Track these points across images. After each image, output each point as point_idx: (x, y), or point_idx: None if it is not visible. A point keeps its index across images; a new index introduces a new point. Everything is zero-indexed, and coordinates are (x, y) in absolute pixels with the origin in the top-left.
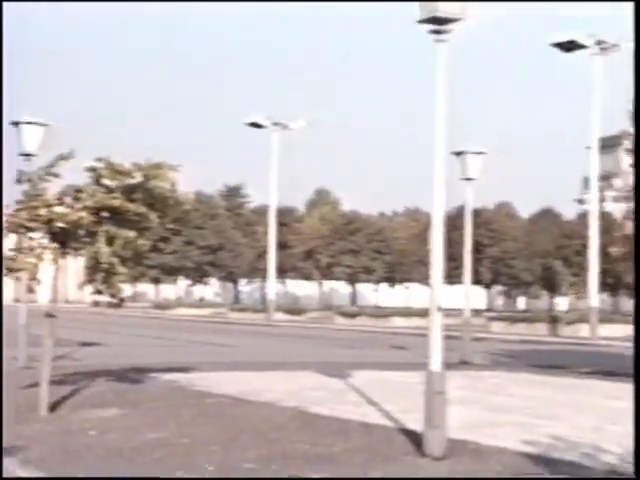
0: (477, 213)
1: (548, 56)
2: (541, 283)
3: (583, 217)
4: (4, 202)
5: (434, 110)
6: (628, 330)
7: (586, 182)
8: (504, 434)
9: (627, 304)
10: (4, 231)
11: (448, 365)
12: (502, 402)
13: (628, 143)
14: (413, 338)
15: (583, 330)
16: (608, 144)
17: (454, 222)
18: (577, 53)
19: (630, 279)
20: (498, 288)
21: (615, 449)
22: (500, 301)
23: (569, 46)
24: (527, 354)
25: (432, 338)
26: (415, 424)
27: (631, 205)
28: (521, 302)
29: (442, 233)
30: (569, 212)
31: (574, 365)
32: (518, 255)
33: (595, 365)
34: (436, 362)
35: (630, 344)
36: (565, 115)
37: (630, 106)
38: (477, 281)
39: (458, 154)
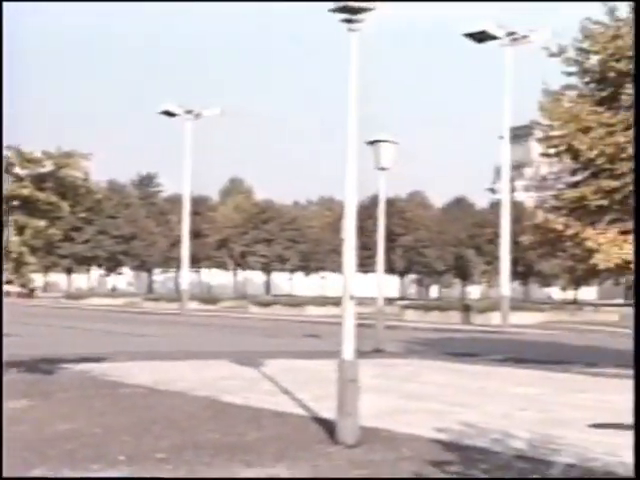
0: (390, 202)
1: (461, 46)
2: (454, 272)
3: (495, 206)
4: None
5: (347, 99)
6: (538, 317)
7: (498, 172)
8: (417, 421)
9: (537, 292)
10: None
11: (362, 353)
12: (415, 390)
13: (539, 133)
14: (327, 327)
15: (495, 318)
16: (519, 134)
17: (368, 211)
18: (489, 44)
19: (541, 267)
20: (411, 277)
21: (524, 435)
22: (413, 289)
23: (481, 37)
24: (440, 342)
25: (345, 327)
26: (328, 412)
27: (542, 194)
28: (434, 290)
29: (355, 222)
30: (482, 201)
31: (486, 352)
32: (431, 244)
33: (506, 352)
34: (348, 350)
35: (540, 331)
36: (478, 105)
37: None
38: (390, 270)
39: (372, 143)
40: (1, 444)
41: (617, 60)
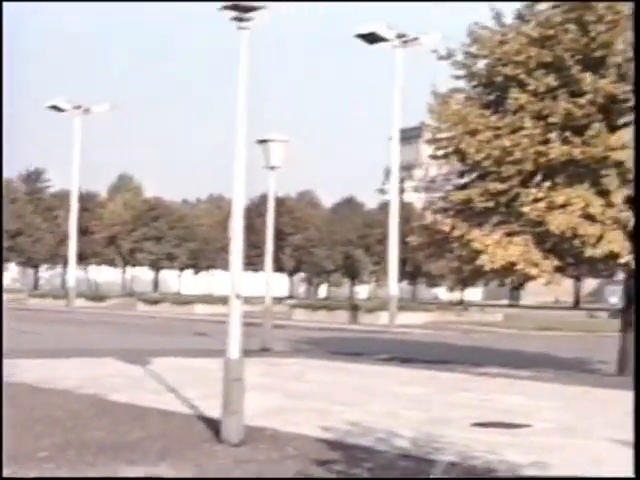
0: (280, 201)
1: (354, 47)
2: (343, 271)
3: (384, 207)
4: None
5: (236, 97)
6: (425, 317)
7: (388, 173)
8: (302, 420)
9: (425, 292)
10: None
11: (249, 352)
12: (301, 389)
13: (428, 134)
14: (215, 325)
15: (382, 318)
16: (409, 135)
17: (258, 210)
18: (380, 45)
19: (429, 268)
20: (300, 276)
21: (408, 434)
22: (302, 289)
23: (372, 38)
24: (327, 341)
25: (231, 325)
26: (214, 411)
27: (430, 195)
28: (323, 290)
29: (243, 221)
30: (371, 202)
31: (372, 352)
32: (320, 243)
33: (392, 352)
34: (234, 349)
35: (427, 331)
36: (369, 106)
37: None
38: (279, 269)
39: (262, 142)
40: (1, 443)
41: (504, 65)
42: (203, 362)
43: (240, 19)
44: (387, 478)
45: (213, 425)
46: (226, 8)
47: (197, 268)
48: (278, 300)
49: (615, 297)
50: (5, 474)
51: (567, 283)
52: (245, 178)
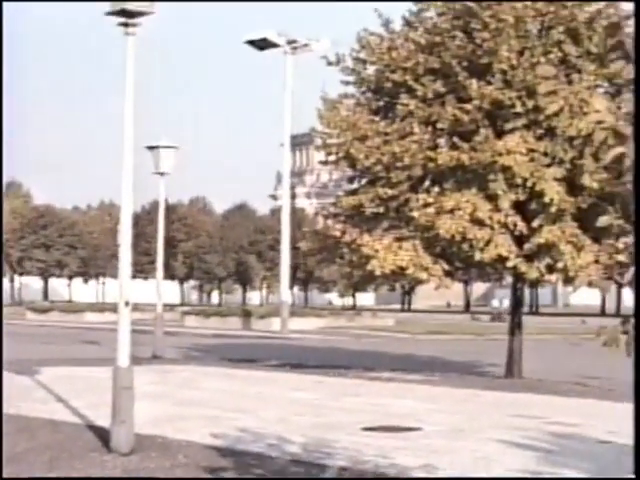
0: (172, 208)
1: (246, 54)
2: (235, 278)
3: (276, 212)
4: None
5: (123, 104)
6: (318, 323)
7: (279, 178)
8: (193, 428)
9: (318, 298)
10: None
11: (140, 360)
12: (192, 396)
13: (318, 140)
14: (106, 333)
15: (275, 324)
16: (301, 142)
17: (149, 217)
18: (271, 51)
19: (321, 273)
20: (192, 283)
21: (299, 439)
22: (194, 296)
23: (262, 44)
24: (219, 348)
25: (120, 333)
26: (103, 420)
27: (322, 201)
28: (215, 297)
29: (131, 227)
30: (263, 208)
31: (264, 358)
32: (212, 250)
33: (284, 358)
34: (124, 357)
35: (319, 336)
36: (261, 112)
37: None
38: (171, 276)
39: (151, 148)
40: (1, 444)
41: (392, 71)
42: (92, 371)
43: (126, 24)
44: None
45: (102, 434)
46: (112, 13)
47: (87, 276)
48: (170, 307)
49: (496, 301)
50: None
51: (458, 287)
52: (134, 184)
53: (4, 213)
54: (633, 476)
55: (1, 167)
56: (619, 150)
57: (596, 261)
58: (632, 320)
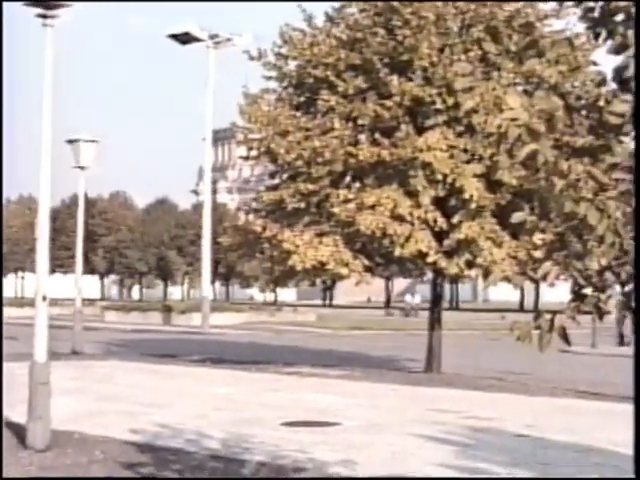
0: (92, 202)
1: (169, 48)
2: (156, 273)
3: (198, 208)
4: None
5: (41, 96)
6: (239, 318)
7: (201, 173)
8: (111, 423)
9: (239, 293)
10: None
11: (59, 355)
12: (111, 391)
13: (240, 135)
14: (25, 328)
15: (196, 319)
16: (223, 136)
17: (69, 211)
18: (194, 46)
19: (242, 269)
20: (113, 277)
21: (218, 434)
22: (115, 290)
23: (185, 38)
24: (139, 343)
25: (37, 328)
26: (20, 417)
27: (244, 196)
28: (136, 291)
29: (50, 221)
30: (185, 202)
31: (185, 353)
32: (133, 245)
33: (205, 353)
34: (41, 352)
35: (240, 332)
36: (184, 106)
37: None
38: (91, 270)
39: (71, 142)
40: (1, 443)
41: (314, 66)
42: (11, 366)
43: (44, 16)
44: (195, 478)
45: (18, 431)
46: (28, 4)
47: (6, 270)
48: (90, 302)
49: (409, 296)
50: None
51: (379, 283)
52: (54, 178)
53: None
54: (633, 476)
55: (1, 171)
56: (533, 147)
57: (514, 257)
58: (545, 315)
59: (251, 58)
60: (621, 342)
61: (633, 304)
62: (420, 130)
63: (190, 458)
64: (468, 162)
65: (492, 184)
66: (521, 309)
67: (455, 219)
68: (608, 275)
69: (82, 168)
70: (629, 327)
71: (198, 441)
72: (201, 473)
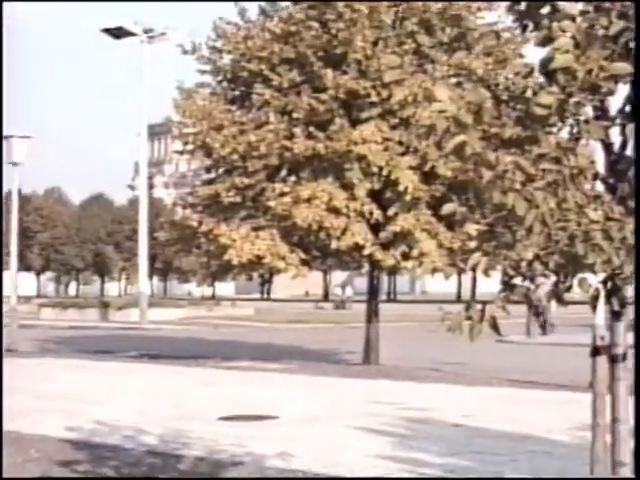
0: (27, 199)
1: (103, 42)
2: (93, 269)
3: (134, 203)
4: None
5: None
6: (177, 314)
7: (137, 168)
8: (47, 421)
9: (177, 288)
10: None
11: None
12: (47, 389)
13: (175, 131)
14: None
15: (134, 315)
16: (159, 131)
17: (5, 208)
18: (128, 40)
19: (180, 264)
20: (49, 274)
21: (155, 430)
22: (51, 287)
23: (118, 33)
24: (76, 340)
25: None
26: None
27: (180, 191)
28: (73, 288)
29: None
30: (121, 198)
31: (122, 349)
32: (69, 241)
33: (143, 349)
34: None
35: (179, 327)
36: (119, 101)
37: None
38: (27, 267)
39: (4, 138)
40: (1, 444)
41: (248, 60)
42: None
43: None
44: (132, 476)
45: None
46: None
47: None
48: (25, 299)
49: (339, 289)
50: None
51: (318, 276)
52: None
53: None
54: (633, 476)
55: (1, 170)
56: (461, 138)
57: (450, 249)
58: (476, 306)
59: (185, 52)
60: (544, 331)
61: (561, 294)
62: (355, 123)
63: (127, 454)
64: (403, 154)
65: (427, 176)
66: (458, 300)
67: (391, 211)
68: (537, 265)
69: (15, 164)
70: (547, 314)
71: (135, 437)
72: (138, 469)
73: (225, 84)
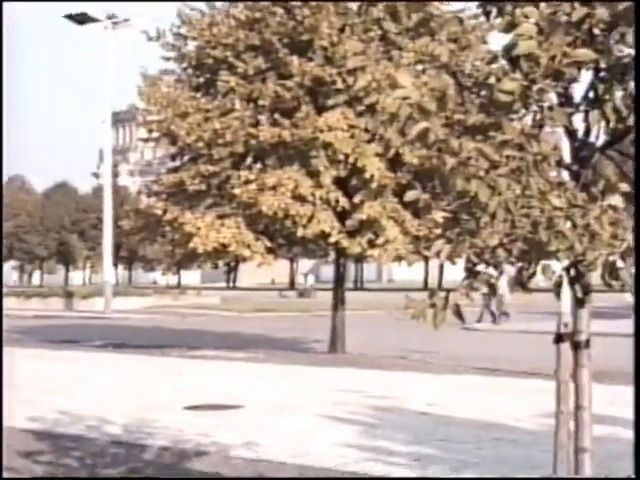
0: None
1: (66, 28)
2: (57, 258)
3: (99, 191)
4: None
5: None
6: (142, 302)
7: (102, 156)
8: (9, 412)
9: (142, 277)
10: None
11: None
12: (10, 380)
13: (140, 118)
14: None
15: (98, 304)
16: (123, 119)
17: None
18: (91, 26)
19: (145, 252)
20: (12, 263)
21: (120, 420)
22: (15, 277)
23: (82, 19)
24: (40, 329)
25: None
26: None
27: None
28: (37, 277)
29: None
30: (86, 186)
31: (87, 339)
32: (33, 230)
33: (107, 338)
34: None
35: (144, 316)
36: (83, 88)
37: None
38: None
39: None
40: (1, 445)
41: (213, 47)
42: None
43: None
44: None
45: None
46: None
47: None
48: None
49: (302, 277)
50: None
51: (284, 264)
52: None
53: None
54: (633, 476)
55: (1, 169)
56: (424, 125)
57: (416, 236)
58: (440, 293)
59: (149, 39)
60: (494, 319)
61: (525, 281)
62: (321, 110)
63: (91, 444)
64: (369, 142)
65: (393, 163)
66: (425, 288)
67: (357, 199)
68: (500, 252)
69: None
70: (503, 303)
71: (99, 427)
72: (102, 459)
73: (190, 71)
